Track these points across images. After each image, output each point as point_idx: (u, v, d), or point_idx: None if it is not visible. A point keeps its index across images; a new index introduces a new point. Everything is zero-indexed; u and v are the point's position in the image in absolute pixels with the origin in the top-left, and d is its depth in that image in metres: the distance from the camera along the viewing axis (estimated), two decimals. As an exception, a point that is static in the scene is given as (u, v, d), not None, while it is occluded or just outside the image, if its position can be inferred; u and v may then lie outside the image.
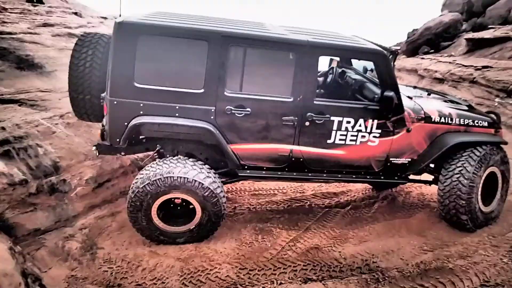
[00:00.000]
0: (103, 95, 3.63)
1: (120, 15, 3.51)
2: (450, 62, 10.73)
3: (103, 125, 3.66)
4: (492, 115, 4.47)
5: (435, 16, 15.05)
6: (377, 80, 3.98)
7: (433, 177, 4.46)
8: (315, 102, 3.67)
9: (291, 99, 3.61)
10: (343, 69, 5.01)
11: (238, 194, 5.11)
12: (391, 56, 3.94)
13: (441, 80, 9.97)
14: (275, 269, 3.39)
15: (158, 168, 3.50)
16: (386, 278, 3.21)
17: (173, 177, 3.45)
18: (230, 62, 3.46)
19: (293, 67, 3.56)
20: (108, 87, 3.42)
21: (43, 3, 7.46)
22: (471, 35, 12.16)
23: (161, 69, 3.45)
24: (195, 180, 3.48)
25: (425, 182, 4.51)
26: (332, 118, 3.70)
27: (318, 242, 3.84)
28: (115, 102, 3.40)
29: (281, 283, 3.24)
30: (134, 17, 3.44)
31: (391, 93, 3.64)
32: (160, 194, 3.50)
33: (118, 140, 3.51)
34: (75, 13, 7.29)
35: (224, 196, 3.69)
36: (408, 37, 14.96)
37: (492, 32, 11.19)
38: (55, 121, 4.53)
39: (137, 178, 3.55)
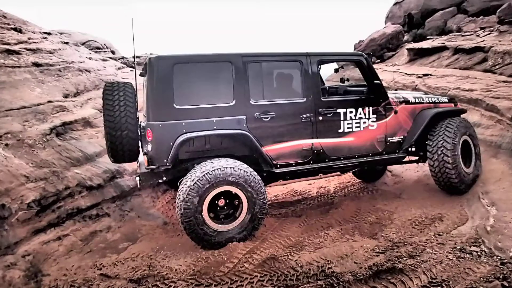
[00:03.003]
0: (144, 124, 4.15)
1: (134, 49, 4.25)
2: (394, 71, 11.32)
3: (145, 153, 4.08)
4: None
5: (379, 28, 15.85)
6: (355, 84, 5.32)
7: (417, 157, 5.44)
8: (322, 99, 4.51)
9: (304, 100, 4.39)
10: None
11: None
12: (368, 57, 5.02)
13: (386, 88, 10.46)
14: (231, 282, 3.34)
15: (208, 165, 3.85)
16: (340, 283, 3.26)
17: (223, 168, 3.82)
18: (251, 76, 4.16)
19: (300, 74, 4.39)
20: (151, 113, 3.92)
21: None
22: (411, 45, 12.93)
23: (196, 90, 4.01)
24: (246, 171, 3.90)
25: (414, 161, 5.44)
26: (338, 110, 4.56)
27: (275, 252, 3.84)
28: (160, 125, 3.87)
29: (238, 297, 3.19)
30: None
31: (379, 81, 4.77)
32: (211, 188, 3.79)
33: (165, 160, 3.88)
34: (15, 29, 6.92)
35: (265, 190, 4.09)
36: (354, 48, 15.62)
37: (430, 42, 11.97)
38: (-8, 142, 4.25)
39: (185, 181, 3.81)
